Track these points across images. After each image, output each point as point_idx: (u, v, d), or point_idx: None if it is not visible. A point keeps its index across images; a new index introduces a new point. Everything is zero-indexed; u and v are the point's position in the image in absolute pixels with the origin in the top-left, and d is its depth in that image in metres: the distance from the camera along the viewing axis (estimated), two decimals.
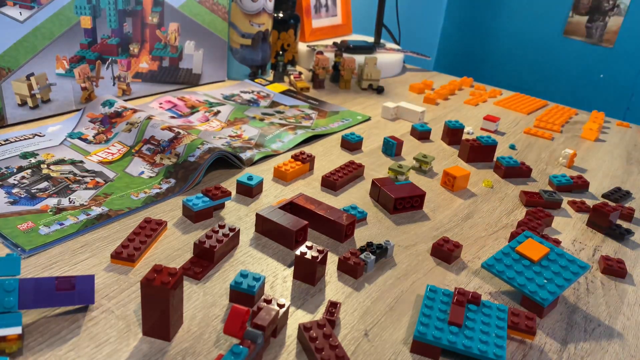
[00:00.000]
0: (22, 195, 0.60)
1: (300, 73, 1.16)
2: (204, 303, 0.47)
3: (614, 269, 0.58)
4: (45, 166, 0.67)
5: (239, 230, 0.56)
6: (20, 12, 0.75)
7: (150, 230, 0.54)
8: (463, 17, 2.17)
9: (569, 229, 0.67)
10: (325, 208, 0.61)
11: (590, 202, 0.74)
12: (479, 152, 0.84)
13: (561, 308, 0.52)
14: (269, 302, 0.44)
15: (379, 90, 1.15)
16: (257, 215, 0.58)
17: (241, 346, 0.39)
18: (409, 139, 0.91)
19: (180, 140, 0.71)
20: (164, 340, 0.42)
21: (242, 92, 1.05)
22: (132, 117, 0.78)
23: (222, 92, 1.03)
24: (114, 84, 0.91)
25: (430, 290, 0.49)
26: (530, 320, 0.47)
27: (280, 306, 0.44)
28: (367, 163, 0.79)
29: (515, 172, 0.80)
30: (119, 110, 0.81)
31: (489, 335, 0.44)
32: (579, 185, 0.78)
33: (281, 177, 0.71)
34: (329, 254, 0.56)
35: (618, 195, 0.77)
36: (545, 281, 0.51)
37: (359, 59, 1.20)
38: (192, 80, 1.05)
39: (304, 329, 0.43)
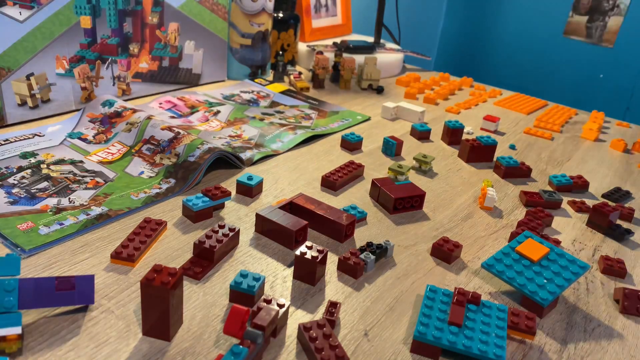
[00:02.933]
0: (22, 195, 0.60)
1: (300, 73, 1.16)
2: (204, 303, 0.47)
3: (614, 269, 0.58)
4: (45, 166, 0.67)
5: (238, 230, 0.56)
6: (20, 12, 0.75)
7: (150, 230, 0.54)
8: (463, 17, 2.17)
9: (569, 229, 0.67)
10: (325, 208, 0.61)
11: (590, 202, 0.74)
12: (478, 152, 0.84)
13: (561, 308, 0.52)
14: (268, 302, 0.44)
15: (379, 90, 1.15)
16: (257, 215, 0.58)
17: (241, 346, 0.39)
18: (409, 139, 0.91)
19: (180, 140, 0.71)
20: (164, 340, 0.42)
21: (242, 92, 1.05)
22: (132, 117, 0.78)
23: (222, 92, 1.03)
24: (113, 84, 0.91)
25: (430, 290, 0.49)
26: (530, 320, 0.47)
27: (280, 306, 0.44)
28: (367, 163, 0.79)
29: (515, 172, 0.80)
30: (119, 110, 0.81)
31: (489, 335, 0.44)
32: (579, 185, 0.78)
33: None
34: (329, 254, 0.56)
35: (618, 195, 0.77)
36: (545, 281, 0.51)
37: (359, 59, 1.20)
38: (192, 80, 1.05)
39: (303, 329, 0.43)
